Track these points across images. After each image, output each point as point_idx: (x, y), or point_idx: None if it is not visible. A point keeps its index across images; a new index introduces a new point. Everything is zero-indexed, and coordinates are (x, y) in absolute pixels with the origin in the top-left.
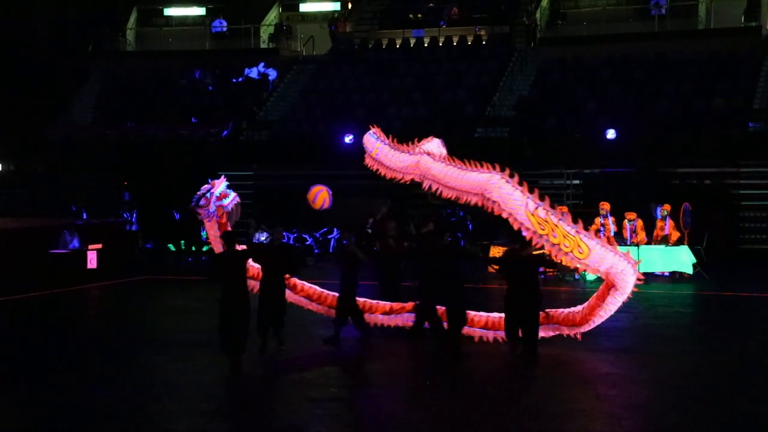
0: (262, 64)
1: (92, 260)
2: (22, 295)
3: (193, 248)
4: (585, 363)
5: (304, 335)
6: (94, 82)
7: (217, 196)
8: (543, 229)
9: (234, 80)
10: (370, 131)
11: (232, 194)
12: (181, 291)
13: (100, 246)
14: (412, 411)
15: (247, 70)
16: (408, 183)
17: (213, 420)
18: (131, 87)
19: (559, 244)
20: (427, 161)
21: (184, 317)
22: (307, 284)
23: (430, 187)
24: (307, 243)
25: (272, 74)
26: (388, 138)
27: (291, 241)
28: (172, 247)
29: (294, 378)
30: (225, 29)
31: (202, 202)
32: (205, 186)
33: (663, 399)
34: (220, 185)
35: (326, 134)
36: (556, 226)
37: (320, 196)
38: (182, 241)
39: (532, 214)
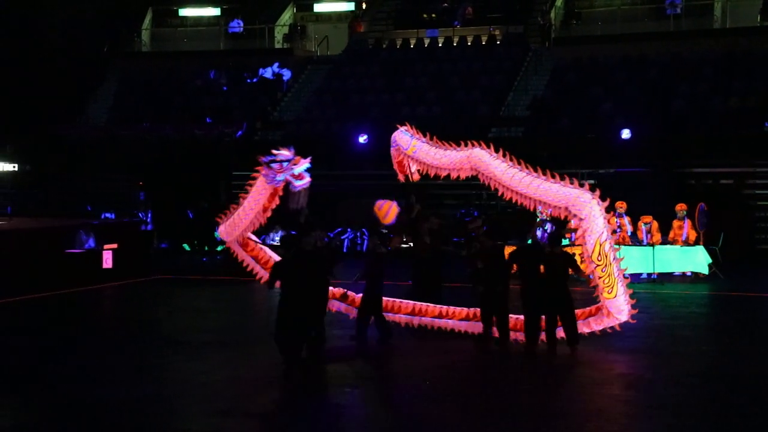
0: (276, 64)
1: (107, 260)
2: (39, 294)
3: (207, 248)
4: (601, 363)
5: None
6: (110, 82)
7: (292, 172)
8: (599, 261)
9: (248, 80)
10: (402, 129)
11: (307, 179)
12: (195, 291)
13: (115, 246)
14: (429, 410)
15: (261, 71)
16: (442, 179)
17: (227, 419)
18: (146, 87)
19: (602, 278)
20: (481, 155)
21: (198, 317)
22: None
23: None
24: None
25: (286, 74)
26: (425, 136)
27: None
28: (186, 246)
29: (309, 377)
30: (242, 29)
31: (275, 165)
32: (286, 153)
33: (679, 400)
34: (303, 165)
35: (340, 134)
36: (609, 264)
37: (392, 211)
38: (196, 241)
39: (600, 244)
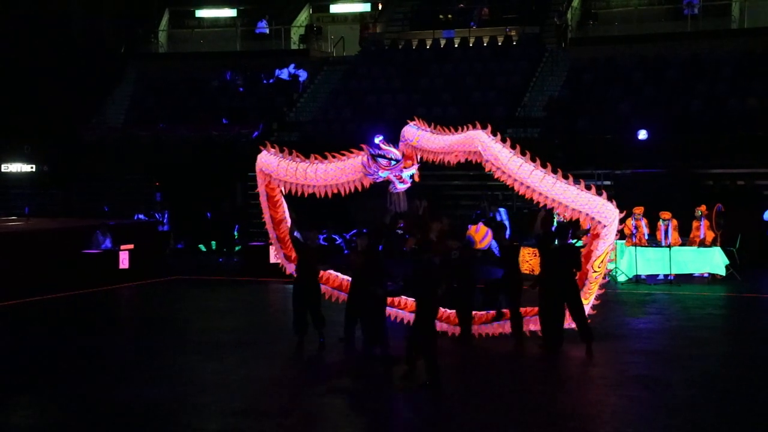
0: (292, 65)
1: (124, 260)
2: (56, 294)
3: (224, 249)
4: (616, 365)
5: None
6: (127, 83)
7: (398, 174)
8: (598, 268)
9: (265, 81)
10: (411, 123)
11: (408, 183)
12: (211, 291)
13: (131, 246)
14: (441, 412)
15: (277, 71)
16: (453, 164)
17: (245, 419)
18: (163, 88)
19: (591, 284)
20: (479, 135)
21: (215, 317)
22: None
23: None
24: (337, 243)
25: (302, 75)
26: (429, 126)
27: (321, 242)
28: (203, 247)
29: (325, 377)
30: (267, 30)
31: (382, 161)
32: (397, 153)
33: (695, 401)
34: (412, 169)
35: (356, 135)
36: (602, 274)
37: (488, 236)
38: (213, 242)
39: (607, 254)
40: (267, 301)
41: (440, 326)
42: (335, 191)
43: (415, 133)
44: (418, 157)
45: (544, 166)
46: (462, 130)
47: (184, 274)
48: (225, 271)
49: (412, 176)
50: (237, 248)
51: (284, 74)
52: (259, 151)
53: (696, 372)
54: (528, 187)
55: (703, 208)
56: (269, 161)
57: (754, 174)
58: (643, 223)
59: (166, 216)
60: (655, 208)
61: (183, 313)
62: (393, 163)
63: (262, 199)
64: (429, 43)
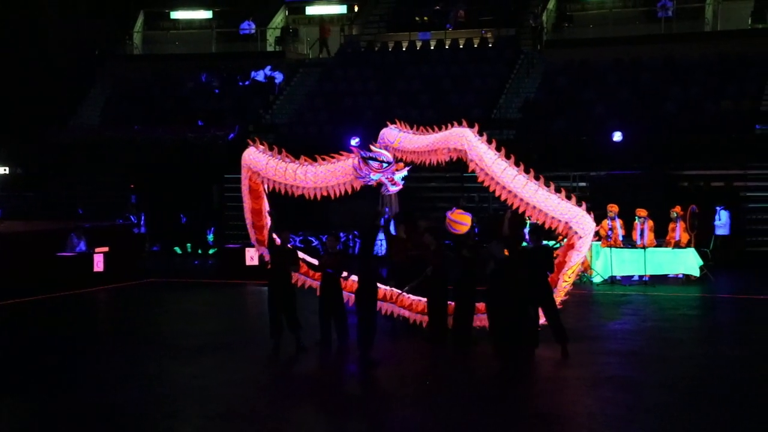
0: (268, 67)
1: (99, 263)
2: (30, 297)
3: (200, 251)
4: (591, 366)
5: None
6: (102, 85)
7: (390, 177)
8: (568, 278)
9: (240, 83)
10: (391, 126)
11: (400, 186)
12: (187, 294)
13: (106, 249)
14: (419, 414)
15: (253, 73)
16: (434, 164)
17: (223, 423)
18: (138, 90)
19: (559, 292)
20: (463, 133)
21: (191, 321)
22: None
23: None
24: (314, 245)
25: (279, 77)
26: (412, 128)
27: (297, 244)
28: (178, 250)
29: (303, 381)
30: (252, 31)
31: (373, 164)
32: (388, 156)
33: (669, 402)
34: (403, 172)
35: (332, 137)
36: (570, 285)
37: (465, 224)
38: (188, 244)
39: (579, 266)
40: (243, 303)
41: (400, 312)
42: (325, 194)
43: (396, 135)
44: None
45: (518, 167)
46: (443, 129)
47: (159, 277)
48: (201, 274)
49: (404, 178)
50: (212, 251)
51: (260, 76)
52: (242, 150)
53: (671, 373)
54: (510, 191)
55: (678, 209)
56: (257, 158)
57: (727, 175)
58: (618, 224)
59: (142, 218)
60: (631, 210)
61: (158, 317)
62: (385, 165)
63: (245, 191)
64: (405, 45)
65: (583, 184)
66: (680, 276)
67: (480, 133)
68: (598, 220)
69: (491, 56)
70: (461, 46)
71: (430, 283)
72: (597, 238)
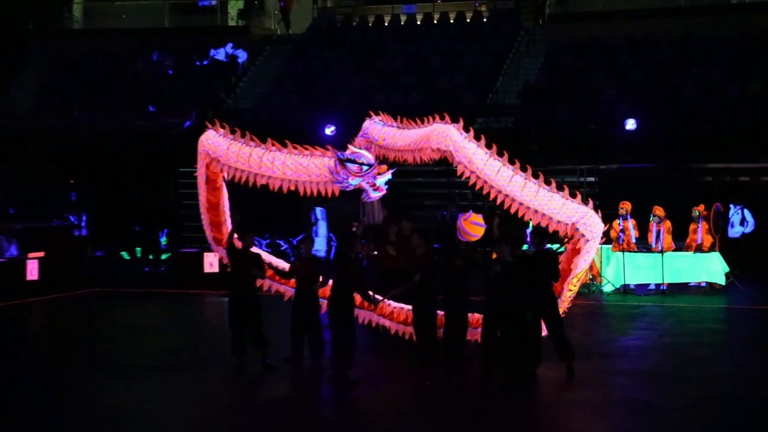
0: (230, 44)
1: (33, 270)
2: None
3: (151, 256)
4: (601, 387)
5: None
6: (37, 64)
7: (371, 182)
8: (575, 286)
9: (198, 63)
10: (375, 118)
11: (384, 192)
12: (136, 306)
13: (42, 254)
14: None
15: (212, 52)
16: (419, 162)
17: None
18: (79, 70)
19: (563, 303)
20: (446, 130)
21: (140, 337)
22: None
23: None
24: (282, 249)
25: (242, 56)
26: (396, 120)
27: (263, 248)
28: (126, 255)
29: (268, 406)
30: (213, 3)
31: (352, 167)
32: (369, 157)
33: (691, 429)
34: (386, 177)
35: (305, 125)
36: (575, 293)
37: (477, 233)
38: (138, 249)
39: (586, 272)
40: (201, 316)
41: (380, 321)
42: (293, 188)
43: (381, 130)
44: (381, 156)
45: (519, 161)
46: (428, 123)
47: (104, 286)
48: (152, 283)
49: (388, 182)
50: (165, 256)
51: (220, 55)
52: (200, 132)
53: (692, 395)
54: (507, 195)
55: (701, 208)
56: (217, 143)
57: (756, 169)
58: (631, 224)
59: (83, 219)
60: (645, 209)
61: (103, 332)
62: (365, 168)
63: (201, 181)
64: (387, 19)
65: (592, 178)
66: (703, 284)
67: (469, 123)
68: (608, 220)
69: (486, 32)
70: (452, 21)
71: (418, 292)
72: (603, 240)
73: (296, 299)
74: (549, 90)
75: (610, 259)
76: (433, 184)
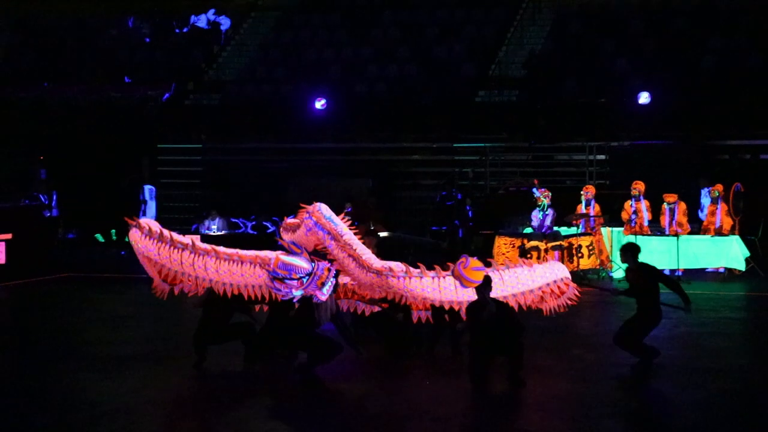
0: (212, 10)
1: None
2: None
3: (127, 239)
4: (612, 380)
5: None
6: (1, 31)
7: (319, 289)
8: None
9: (177, 30)
10: (322, 211)
11: (332, 281)
12: (111, 292)
13: (9, 236)
14: None
15: (193, 18)
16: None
17: None
18: (48, 38)
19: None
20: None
21: (114, 325)
22: None
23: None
24: (270, 231)
25: (225, 23)
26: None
27: (249, 230)
28: (100, 237)
29: (248, 396)
30: None
31: (292, 282)
32: (303, 266)
33: (708, 425)
34: (328, 282)
35: (292, 98)
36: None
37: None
38: (113, 231)
39: None
40: (180, 303)
41: (358, 306)
42: (236, 292)
43: (323, 236)
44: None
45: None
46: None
47: (76, 271)
48: (127, 267)
49: (334, 285)
50: None
51: (202, 22)
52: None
53: (710, 389)
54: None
55: (719, 188)
56: (147, 247)
57: None
58: (644, 205)
59: (53, 198)
60: (659, 189)
61: (75, 320)
62: (305, 279)
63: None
64: None
65: (602, 156)
66: (721, 270)
67: (470, 95)
68: (620, 201)
69: None
70: None
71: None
72: (617, 223)
73: (270, 316)
74: (556, 61)
75: (621, 242)
76: (430, 162)
